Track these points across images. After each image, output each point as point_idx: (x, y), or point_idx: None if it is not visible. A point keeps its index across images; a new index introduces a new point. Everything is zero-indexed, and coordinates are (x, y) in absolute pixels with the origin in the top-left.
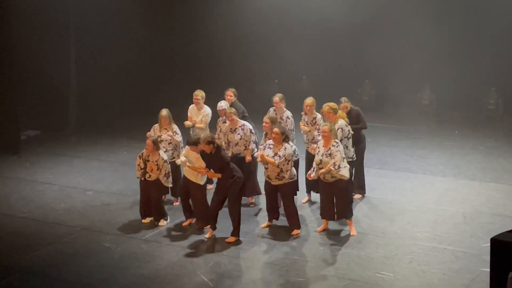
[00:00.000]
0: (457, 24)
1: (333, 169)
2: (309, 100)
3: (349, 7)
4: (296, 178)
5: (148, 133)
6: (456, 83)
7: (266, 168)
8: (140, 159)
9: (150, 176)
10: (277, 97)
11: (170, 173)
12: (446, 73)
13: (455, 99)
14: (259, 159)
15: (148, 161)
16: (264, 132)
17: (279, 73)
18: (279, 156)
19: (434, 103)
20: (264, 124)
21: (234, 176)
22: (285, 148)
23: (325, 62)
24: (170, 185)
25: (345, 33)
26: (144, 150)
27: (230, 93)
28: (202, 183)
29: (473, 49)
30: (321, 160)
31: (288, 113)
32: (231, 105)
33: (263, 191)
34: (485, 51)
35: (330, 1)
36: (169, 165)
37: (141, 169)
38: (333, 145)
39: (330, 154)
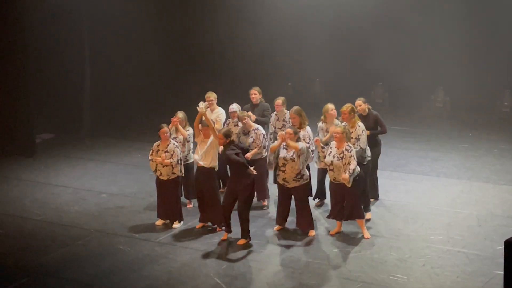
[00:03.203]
0: (471, 25)
1: (348, 175)
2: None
3: (363, 9)
4: (309, 180)
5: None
6: (470, 85)
7: (283, 171)
8: (151, 154)
9: (161, 173)
10: (280, 100)
11: (182, 161)
12: (460, 75)
13: (469, 101)
14: (282, 141)
15: (159, 150)
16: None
17: (292, 75)
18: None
19: (447, 105)
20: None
21: (248, 180)
22: (299, 143)
23: (338, 65)
24: (182, 174)
25: (358, 35)
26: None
27: (255, 91)
28: (213, 165)
29: (488, 50)
30: (332, 162)
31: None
32: (259, 106)
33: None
34: (499, 52)
35: (343, 3)
36: (180, 153)
37: (153, 161)
38: (346, 149)
39: (342, 158)
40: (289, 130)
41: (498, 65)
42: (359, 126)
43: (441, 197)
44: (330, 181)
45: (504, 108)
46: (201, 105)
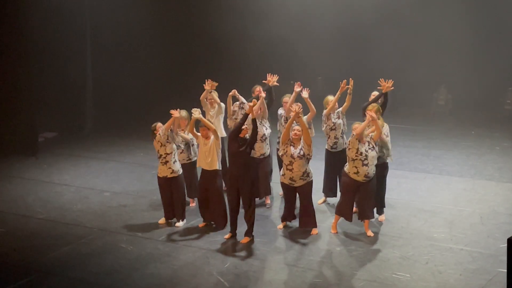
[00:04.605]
0: (474, 23)
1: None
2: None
3: (365, 7)
4: (312, 178)
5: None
6: (473, 83)
7: (289, 170)
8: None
9: (172, 171)
10: (287, 97)
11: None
12: (463, 73)
13: (471, 99)
14: (296, 115)
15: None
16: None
17: (294, 73)
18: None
19: (450, 103)
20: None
21: (247, 171)
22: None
23: (340, 62)
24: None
25: (360, 33)
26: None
27: (259, 89)
28: (216, 167)
29: (490, 48)
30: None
31: None
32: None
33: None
34: (502, 50)
35: (346, 1)
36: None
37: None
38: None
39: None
40: (299, 128)
41: (500, 63)
42: (383, 127)
43: (444, 195)
44: (347, 177)
45: (506, 106)
46: (194, 111)
